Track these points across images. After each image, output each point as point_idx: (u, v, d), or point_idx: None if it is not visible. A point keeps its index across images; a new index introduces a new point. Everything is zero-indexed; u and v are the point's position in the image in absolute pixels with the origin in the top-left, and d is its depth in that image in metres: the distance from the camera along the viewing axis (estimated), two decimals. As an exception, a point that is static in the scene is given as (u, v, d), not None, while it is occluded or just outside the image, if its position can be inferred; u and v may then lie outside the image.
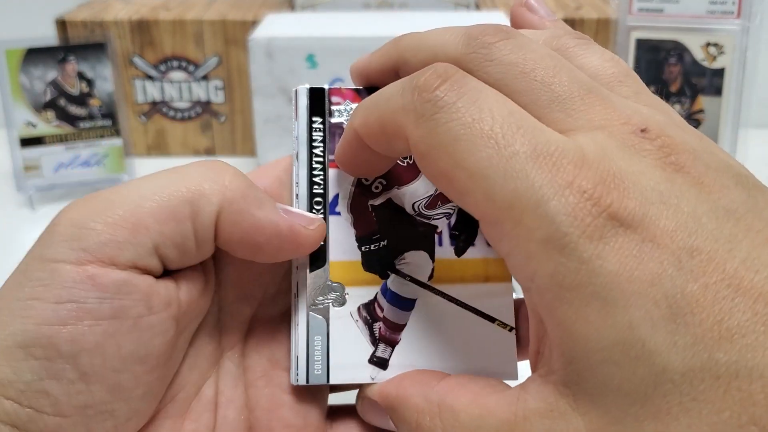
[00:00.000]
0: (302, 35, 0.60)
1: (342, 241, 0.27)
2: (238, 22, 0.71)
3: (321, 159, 0.27)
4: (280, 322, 0.27)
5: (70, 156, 0.66)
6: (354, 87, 0.28)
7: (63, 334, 0.22)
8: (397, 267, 0.27)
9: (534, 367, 0.21)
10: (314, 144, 0.27)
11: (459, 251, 0.27)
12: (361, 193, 0.27)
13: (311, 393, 0.27)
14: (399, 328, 0.26)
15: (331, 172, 0.27)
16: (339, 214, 0.27)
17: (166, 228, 0.23)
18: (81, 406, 0.22)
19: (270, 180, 0.27)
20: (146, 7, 0.74)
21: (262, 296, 0.27)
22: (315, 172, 0.27)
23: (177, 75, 0.72)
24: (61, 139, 0.66)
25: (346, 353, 0.26)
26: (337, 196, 0.27)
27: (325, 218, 0.27)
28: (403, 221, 0.27)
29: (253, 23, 0.69)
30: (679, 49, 0.61)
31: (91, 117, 0.66)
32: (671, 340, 0.17)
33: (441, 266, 0.27)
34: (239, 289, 0.27)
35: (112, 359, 0.22)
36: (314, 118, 0.28)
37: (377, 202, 0.27)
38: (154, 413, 0.25)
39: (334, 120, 0.28)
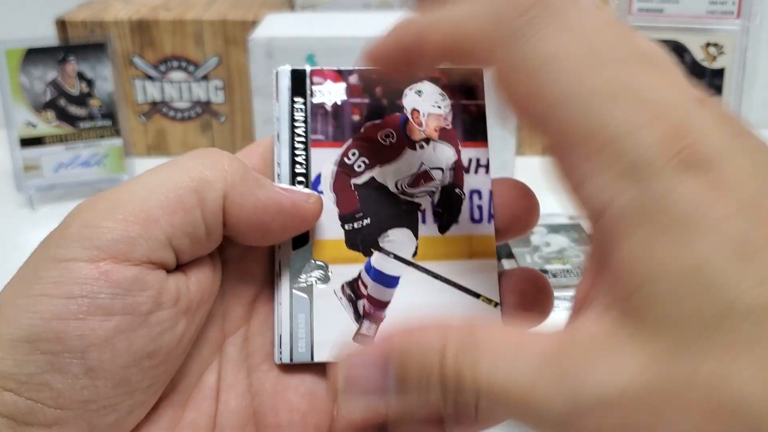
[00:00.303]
0: (302, 35, 0.60)
1: (325, 220, 0.27)
2: (238, 22, 0.71)
3: (303, 139, 0.28)
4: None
5: (70, 156, 0.66)
6: (336, 68, 0.28)
7: (72, 328, 0.22)
8: (381, 245, 0.27)
9: (579, 313, 0.20)
10: (296, 124, 0.28)
11: (442, 228, 0.28)
12: (343, 171, 0.27)
13: (318, 375, 0.26)
14: (383, 305, 0.27)
15: (314, 152, 0.27)
16: (322, 193, 0.27)
17: (176, 219, 0.23)
18: (84, 401, 0.22)
19: (255, 160, 0.28)
20: (146, 7, 0.74)
21: (263, 279, 0.27)
22: (297, 152, 0.27)
23: (177, 75, 0.72)
24: (61, 139, 0.66)
25: (330, 331, 0.26)
26: (319, 176, 0.27)
27: None
28: (386, 199, 0.28)
29: (253, 23, 0.69)
30: (679, 50, 0.61)
31: (91, 117, 0.66)
32: (741, 276, 0.17)
33: (425, 243, 0.27)
34: (241, 272, 0.27)
35: (122, 355, 0.22)
36: (296, 99, 0.28)
37: (360, 180, 0.28)
38: (155, 402, 0.25)
39: (315, 100, 0.28)
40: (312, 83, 0.28)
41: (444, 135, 0.28)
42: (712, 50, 0.61)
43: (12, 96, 0.64)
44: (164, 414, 0.25)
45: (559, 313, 0.50)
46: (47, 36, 0.67)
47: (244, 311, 0.27)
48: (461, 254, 0.27)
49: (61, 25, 0.70)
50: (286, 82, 0.28)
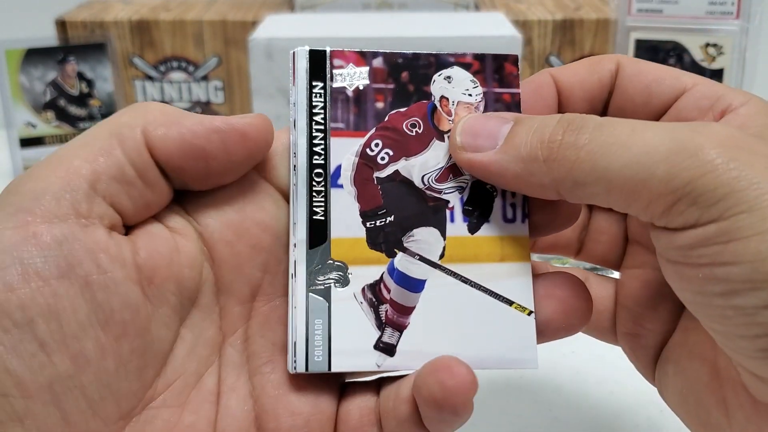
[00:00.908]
0: (302, 36, 0.60)
1: (345, 217, 0.25)
2: (238, 22, 0.71)
3: (322, 127, 0.25)
4: (286, 303, 0.26)
5: (70, 156, 0.66)
6: (359, 50, 0.26)
7: (12, 300, 0.20)
8: (405, 245, 0.25)
9: None
10: (314, 111, 0.25)
11: (472, 228, 0.26)
12: (365, 164, 0.25)
13: (322, 377, 0.25)
14: (407, 311, 0.25)
15: (333, 142, 0.25)
16: (341, 186, 0.25)
17: (97, 165, 0.23)
18: (47, 383, 0.21)
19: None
20: (146, 8, 0.74)
21: (262, 275, 0.26)
22: (315, 141, 0.25)
23: (177, 75, 0.72)
24: (61, 139, 0.66)
25: (350, 338, 0.24)
26: (339, 168, 0.25)
27: (325, 191, 0.25)
28: (411, 195, 0.25)
29: (253, 24, 0.69)
30: (678, 50, 0.61)
31: (91, 117, 0.66)
32: None
33: (453, 244, 0.25)
34: (235, 267, 0.26)
35: (69, 324, 0.21)
36: (314, 83, 0.26)
37: (383, 174, 0.25)
38: (145, 399, 0.23)
39: (336, 85, 0.26)
40: (332, 66, 0.26)
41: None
42: (712, 51, 0.61)
43: (12, 96, 0.64)
44: (159, 415, 0.24)
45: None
46: (47, 36, 0.67)
47: (243, 310, 0.26)
48: (492, 257, 0.25)
49: (61, 25, 0.70)
50: (303, 64, 0.26)
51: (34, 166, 0.23)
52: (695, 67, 0.61)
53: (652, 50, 0.61)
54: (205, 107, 0.73)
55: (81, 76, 0.66)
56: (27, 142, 0.65)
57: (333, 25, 0.63)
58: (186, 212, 0.26)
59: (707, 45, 0.61)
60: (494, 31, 0.58)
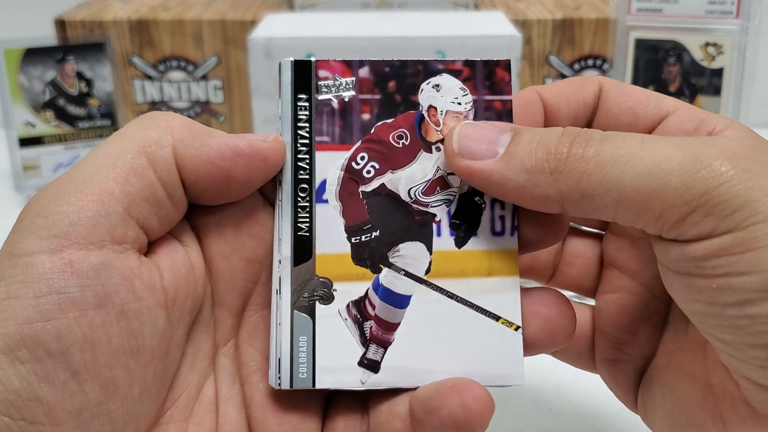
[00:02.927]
0: (301, 35, 0.60)
1: (330, 232, 0.25)
2: (237, 22, 0.70)
3: (307, 141, 0.25)
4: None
5: (69, 156, 0.66)
6: (345, 60, 0.26)
7: (49, 330, 0.20)
8: (391, 260, 0.25)
9: None
10: (299, 125, 0.25)
11: (459, 242, 0.25)
12: (350, 178, 0.25)
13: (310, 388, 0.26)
14: (392, 327, 0.25)
15: (318, 156, 0.25)
16: (326, 202, 0.25)
17: (130, 187, 0.22)
18: (76, 410, 0.21)
19: None
20: (145, 7, 0.74)
21: (254, 287, 0.26)
22: (300, 156, 0.25)
23: (176, 75, 0.72)
24: (60, 139, 0.66)
25: (334, 355, 0.24)
26: (324, 182, 0.25)
27: (310, 207, 0.25)
28: (397, 209, 0.25)
29: (253, 23, 0.69)
30: (678, 49, 0.61)
31: (90, 117, 0.66)
32: None
33: (439, 259, 0.25)
34: (230, 280, 0.26)
35: (103, 353, 0.21)
36: (299, 95, 0.25)
37: (369, 188, 0.25)
38: (155, 418, 0.24)
39: (321, 97, 0.25)
40: (317, 77, 0.25)
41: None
42: (711, 50, 0.61)
43: (11, 96, 0.64)
44: (167, 430, 0.24)
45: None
46: (46, 36, 0.67)
47: (235, 321, 0.26)
48: (480, 271, 0.25)
49: (60, 24, 0.70)
50: (288, 76, 0.25)
51: (60, 184, 0.22)
52: (695, 67, 0.61)
53: (651, 50, 0.61)
54: (204, 106, 0.73)
55: (80, 76, 0.66)
56: (26, 142, 0.65)
57: (332, 25, 0.63)
58: (190, 226, 0.26)
59: (707, 44, 0.61)
60: (494, 30, 0.58)
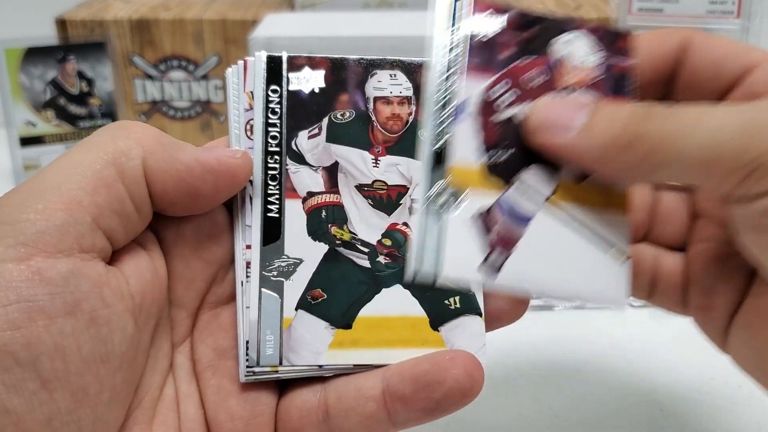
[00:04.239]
0: (302, 35, 0.60)
1: (465, 147, 0.26)
2: (237, 21, 0.70)
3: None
4: (224, 308, 0.26)
5: (69, 155, 0.66)
6: (494, 2, 0.28)
7: (18, 338, 0.20)
8: (519, 179, 0.27)
9: None
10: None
11: (581, 177, 0.27)
12: (489, 102, 0.27)
13: (260, 385, 0.26)
14: (512, 242, 0.26)
15: (466, 78, 0.27)
16: (465, 119, 0.26)
17: (99, 198, 0.22)
18: (45, 420, 0.20)
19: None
20: (146, 7, 0.74)
21: (210, 286, 0.26)
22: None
23: (177, 74, 0.72)
24: (60, 138, 0.66)
25: (461, 252, 0.26)
26: (466, 101, 0.27)
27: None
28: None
29: (253, 23, 0.69)
30: (678, 49, 0.61)
31: (91, 116, 0.66)
32: None
33: (564, 186, 0.27)
34: (188, 281, 0.26)
35: (74, 361, 0.21)
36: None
37: (503, 116, 0.27)
38: (122, 421, 0.23)
39: (474, 31, 0.27)
40: (474, 10, 0.27)
41: (591, 88, 0.28)
42: (712, 50, 0.61)
43: (12, 95, 0.64)
44: None
45: (559, 313, 0.50)
46: (47, 35, 0.67)
47: (190, 321, 0.26)
48: (597, 203, 0.27)
49: (61, 24, 0.70)
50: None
51: (24, 192, 0.22)
52: (695, 66, 0.61)
53: (652, 49, 0.61)
54: (204, 106, 0.73)
55: (81, 75, 0.66)
56: (27, 141, 0.65)
57: (333, 24, 0.63)
58: (151, 230, 0.26)
59: (708, 44, 0.61)
60: (494, 30, 0.58)
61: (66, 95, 0.66)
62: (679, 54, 0.28)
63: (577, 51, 0.28)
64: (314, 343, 0.26)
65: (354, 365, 0.26)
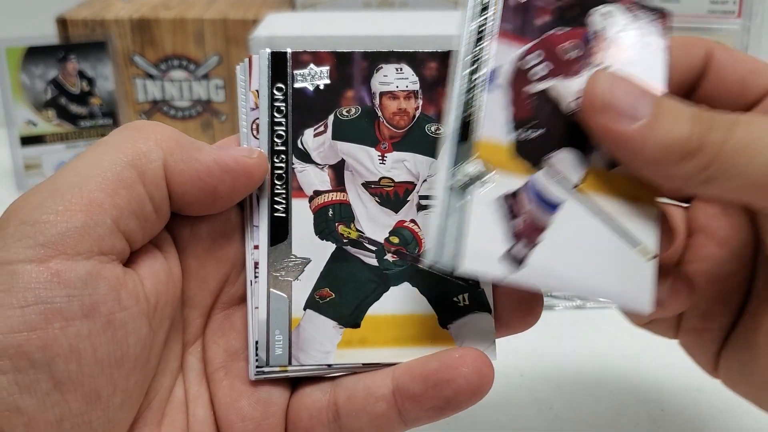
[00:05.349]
0: (303, 34, 0.60)
1: (497, 119, 0.24)
2: (238, 21, 0.70)
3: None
4: (236, 309, 0.26)
5: (70, 155, 0.66)
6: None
7: (33, 340, 0.20)
8: (550, 162, 0.25)
9: None
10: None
11: (612, 163, 0.25)
12: (523, 72, 0.25)
13: (271, 384, 0.26)
14: (539, 229, 0.25)
15: (498, 43, 0.25)
16: (497, 88, 0.25)
17: (119, 199, 0.22)
18: (56, 420, 0.20)
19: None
20: (147, 6, 0.74)
21: (223, 286, 0.26)
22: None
23: (178, 74, 0.72)
24: (61, 137, 0.66)
25: (483, 242, 0.24)
26: (497, 70, 0.25)
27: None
28: (560, 116, 0.25)
29: (254, 22, 0.69)
30: (679, 49, 0.61)
31: (91, 116, 0.66)
32: None
33: (592, 174, 0.25)
34: (202, 280, 0.26)
35: (89, 363, 0.21)
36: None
37: (536, 88, 0.25)
38: (132, 423, 0.23)
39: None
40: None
41: (628, 66, 0.26)
42: (713, 50, 0.61)
43: (13, 95, 0.64)
44: None
45: (559, 312, 0.50)
46: (48, 34, 0.67)
47: (202, 321, 0.26)
48: (626, 194, 0.25)
49: (62, 23, 0.70)
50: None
51: (44, 192, 0.22)
52: (696, 66, 0.61)
53: (653, 49, 0.61)
54: (205, 106, 0.73)
55: (82, 75, 0.66)
56: (28, 141, 0.65)
57: (333, 24, 0.63)
58: (167, 229, 0.26)
59: (708, 44, 0.61)
60: (495, 29, 0.58)
61: (67, 95, 0.66)
62: (702, 66, 0.28)
63: (615, 25, 0.26)
64: (323, 342, 0.26)
65: (363, 364, 0.26)
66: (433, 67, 0.28)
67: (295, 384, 0.27)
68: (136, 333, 0.22)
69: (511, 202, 0.24)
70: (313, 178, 0.27)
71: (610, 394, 0.41)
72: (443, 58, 0.28)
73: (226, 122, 0.74)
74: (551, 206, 0.25)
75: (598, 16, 0.26)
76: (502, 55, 0.25)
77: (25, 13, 0.84)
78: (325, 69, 0.27)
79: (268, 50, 0.26)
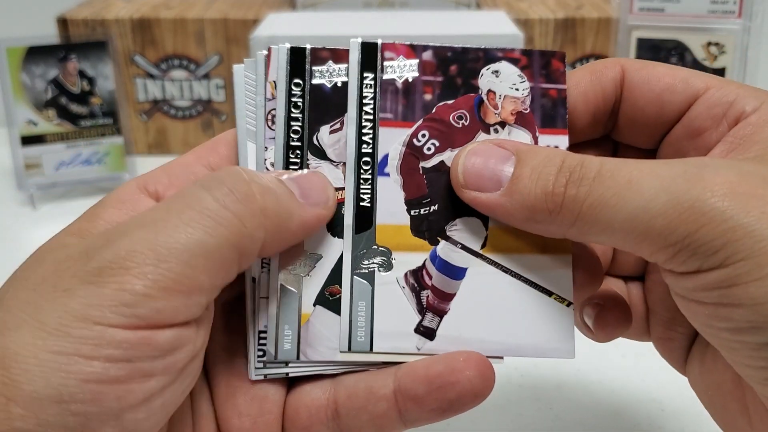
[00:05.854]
0: (303, 34, 0.60)
1: (390, 204, 0.26)
2: (239, 20, 0.71)
3: (371, 117, 0.26)
4: (234, 307, 0.27)
5: (71, 154, 0.66)
6: (409, 43, 0.27)
7: (110, 390, 0.20)
8: (448, 233, 0.26)
9: None
10: (365, 101, 0.26)
11: None
12: (412, 153, 0.26)
13: (266, 381, 0.26)
14: (448, 297, 0.26)
15: (382, 131, 0.26)
16: (388, 175, 0.26)
17: (218, 280, 0.22)
18: None
19: (216, 159, 0.26)
20: (147, 6, 0.74)
21: (227, 287, 0.26)
22: (364, 131, 0.26)
23: (178, 73, 0.72)
24: (62, 137, 0.66)
25: (392, 321, 0.25)
26: (386, 157, 0.26)
27: (372, 180, 0.26)
28: None
29: (254, 22, 0.69)
30: (680, 49, 0.61)
31: (92, 115, 0.67)
32: None
33: (495, 235, 0.26)
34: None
35: (156, 413, 0.21)
36: (366, 74, 0.26)
37: (429, 164, 0.26)
38: None
39: (386, 76, 0.26)
40: (383, 58, 0.27)
41: (521, 120, 0.27)
42: (713, 49, 0.61)
43: (13, 94, 0.64)
44: None
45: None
46: (48, 34, 0.67)
47: (209, 321, 0.26)
48: (534, 248, 0.26)
49: (63, 23, 0.70)
50: (355, 56, 0.26)
51: (149, 241, 0.21)
52: (697, 66, 0.61)
53: (653, 49, 0.61)
54: (206, 105, 0.73)
55: (82, 74, 0.66)
56: (28, 140, 0.65)
57: (334, 24, 0.63)
58: None
59: (709, 44, 0.61)
60: (496, 29, 0.58)
61: (67, 94, 0.66)
62: (616, 90, 0.27)
63: (505, 81, 0.27)
64: (331, 339, 0.26)
65: (368, 363, 0.26)
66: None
67: (292, 382, 0.27)
68: (193, 378, 0.23)
69: (416, 277, 0.26)
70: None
71: (610, 393, 0.41)
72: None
73: (227, 122, 0.74)
74: (457, 273, 0.26)
75: (486, 77, 0.27)
76: (389, 142, 0.26)
77: (25, 13, 0.84)
78: (344, 66, 0.26)
79: (288, 45, 0.26)
